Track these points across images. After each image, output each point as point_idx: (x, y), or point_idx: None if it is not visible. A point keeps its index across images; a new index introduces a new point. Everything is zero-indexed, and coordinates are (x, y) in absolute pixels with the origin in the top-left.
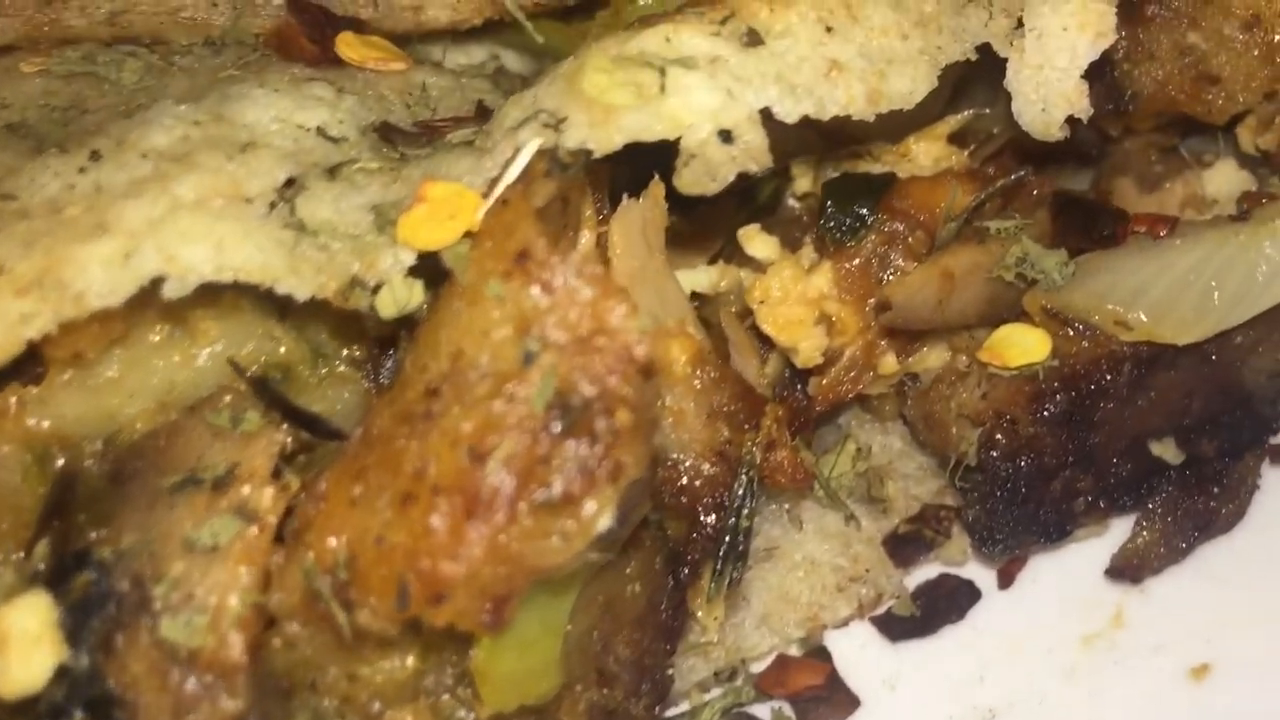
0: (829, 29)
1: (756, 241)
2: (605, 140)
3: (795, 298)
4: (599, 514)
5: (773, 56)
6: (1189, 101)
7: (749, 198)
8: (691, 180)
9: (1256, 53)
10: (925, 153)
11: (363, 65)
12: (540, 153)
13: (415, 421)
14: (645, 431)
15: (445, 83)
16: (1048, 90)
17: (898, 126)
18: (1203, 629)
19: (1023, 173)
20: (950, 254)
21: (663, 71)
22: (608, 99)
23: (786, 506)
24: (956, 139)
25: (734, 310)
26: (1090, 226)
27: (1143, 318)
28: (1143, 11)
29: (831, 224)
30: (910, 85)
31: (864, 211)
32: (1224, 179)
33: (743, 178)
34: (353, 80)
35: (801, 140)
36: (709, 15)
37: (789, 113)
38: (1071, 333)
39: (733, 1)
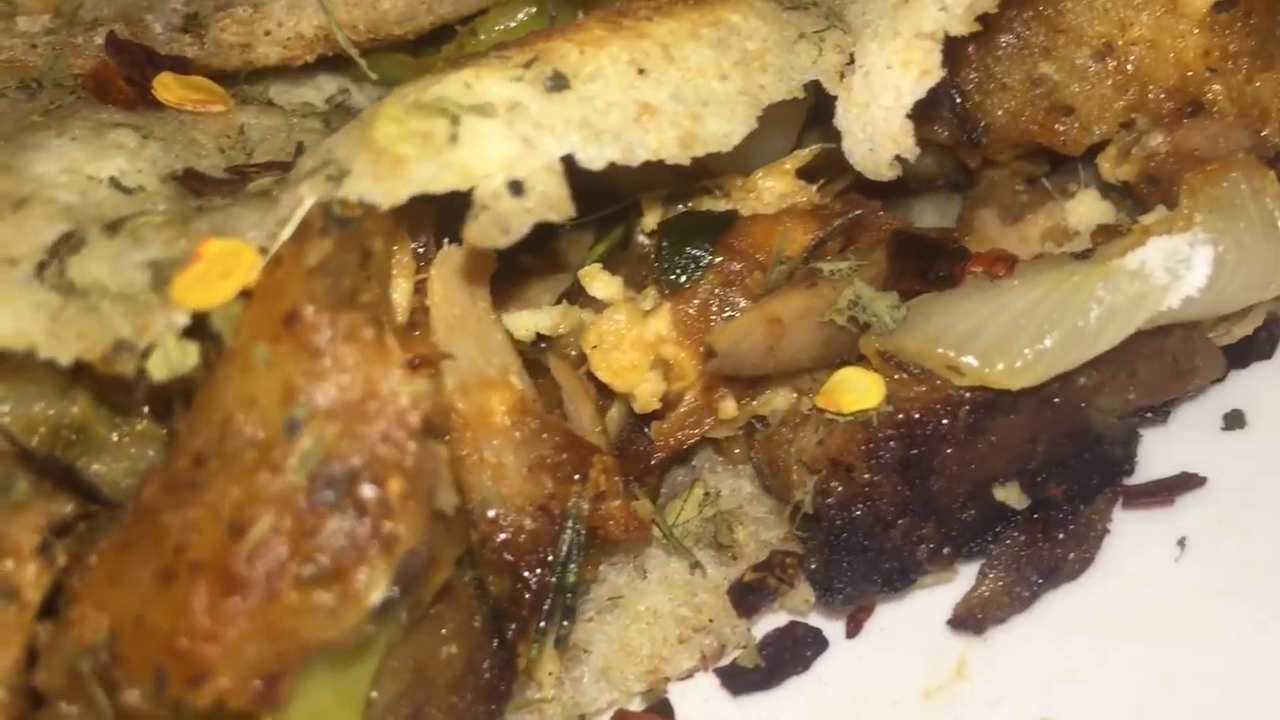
0: (641, 71)
1: (599, 282)
2: (390, 193)
3: (630, 342)
4: (371, 586)
5: (579, 101)
6: (1043, 133)
7: (604, 232)
8: (480, 233)
9: (1110, 82)
10: (772, 188)
11: (180, 107)
12: (319, 207)
13: (181, 492)
14: (422, 498)
15: (272, 123)
16: (874, 130)
17: (753, 159)
18: (1044, 681)
19: (859, 212)
20: (779, 299)
21: (456, 120)
22: (396, 149)
23: (633, 555)
24: (809, 173)
25: (574, 353)
26: (927, 267)
27: (974, 363)
28: (993, 41)
29: (666, 265)
30: (727, 127)
31: (700, 252)
32: (1086, 210)
33: (543, 226)
34: (164, 124)
35: (650, 174)
36: (515, 59)
37: (593, 159)
38: (907, 377)
39: (541, 44)
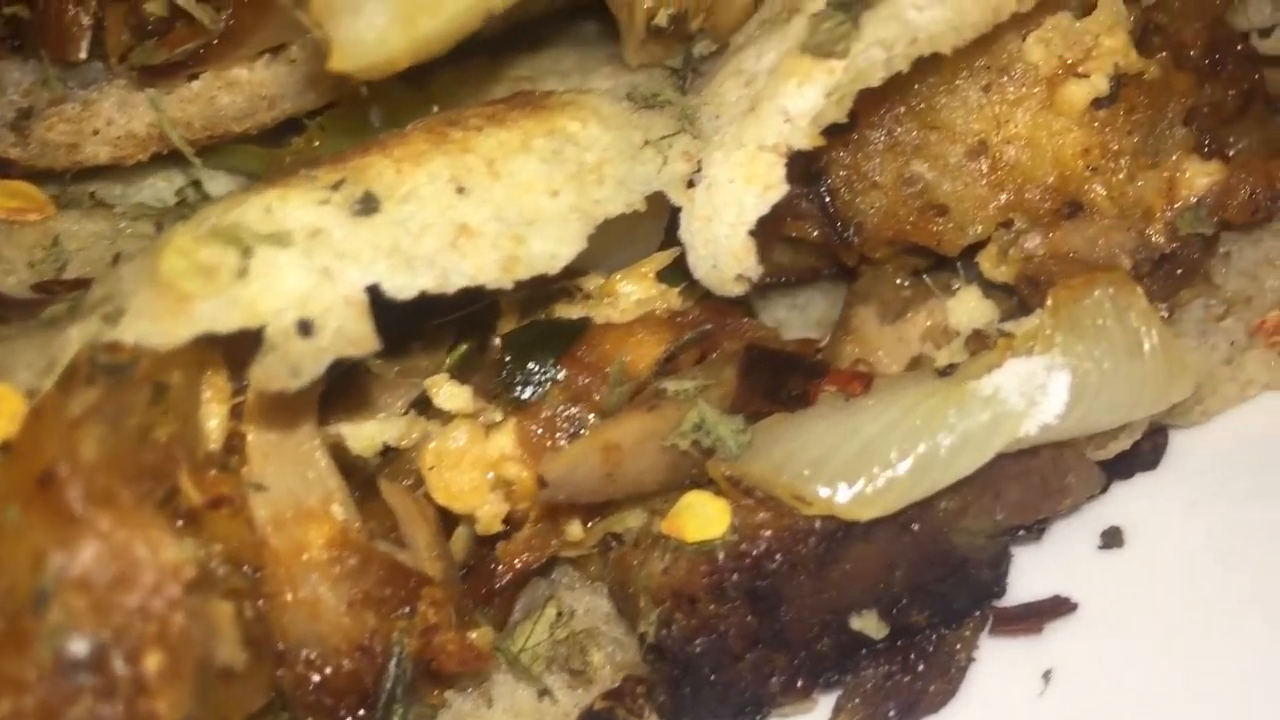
0: (462, 190)
1: (444, 392)
2: (170, 334)
3: (471, 461)
4: None
5: (390, 225)
6: (918, 232)
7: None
8: (266, 375)
9: (985, 181)
10: (630, 294)
11: None
12: (86, 351)
13: None
14: (187, 669)
15: (96, 229)
16: (717, 247)
17: (619, 256)
18: None
19: (708, 326)
20: (617, 424)
21: (249, 251)
22: (181, 286)
23: (479, 681)
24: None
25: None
26: (779, 386)
27: (821, 492)
28: (863, 138)
29: (509, 380)
30: (554, 248)
31: (545, 365)
32: (967, 310)
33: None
34: None
35: None
36: (323, 178)
37: (401, 289)
38: (754, 503)
39: (357, 160)
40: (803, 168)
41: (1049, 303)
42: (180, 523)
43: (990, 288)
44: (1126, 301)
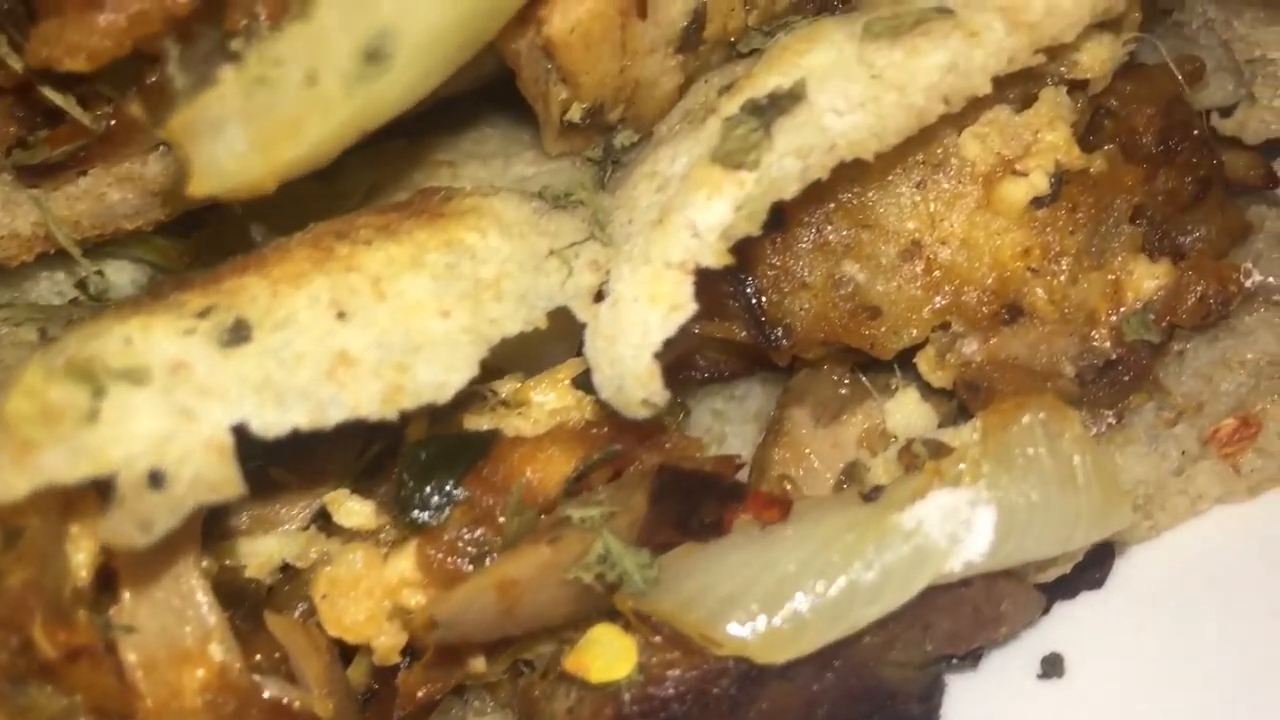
0: (342, 314)
1: (345, 508)
2: (10, 486)
3: (367, 588)
4: None
5: (261, 356)
6: (850, 335)
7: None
8: (115, 530)
9: (920, 283)
10: (543, 403)
11: None
12: None
13: None
14: None
15: None
16: (621, 368)
17: (540, 357)
18: None
19: (618, 448)
20: (514, 558)
21: (102, 390)
22: (25, 432)
23: None
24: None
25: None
26: (691, 513)
27: (732, 632)
28: (791, 235)
29: (408, 502)
30: (443, 375)
31: (447, 486)
32: (905, 413)
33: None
34: None
35: None
36: (191, 303)
37: (271, 426)
38: (663, 640)
39: (231, 281)
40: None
41: (977, 427)
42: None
43: (931, 389)
44: (1059, 428)
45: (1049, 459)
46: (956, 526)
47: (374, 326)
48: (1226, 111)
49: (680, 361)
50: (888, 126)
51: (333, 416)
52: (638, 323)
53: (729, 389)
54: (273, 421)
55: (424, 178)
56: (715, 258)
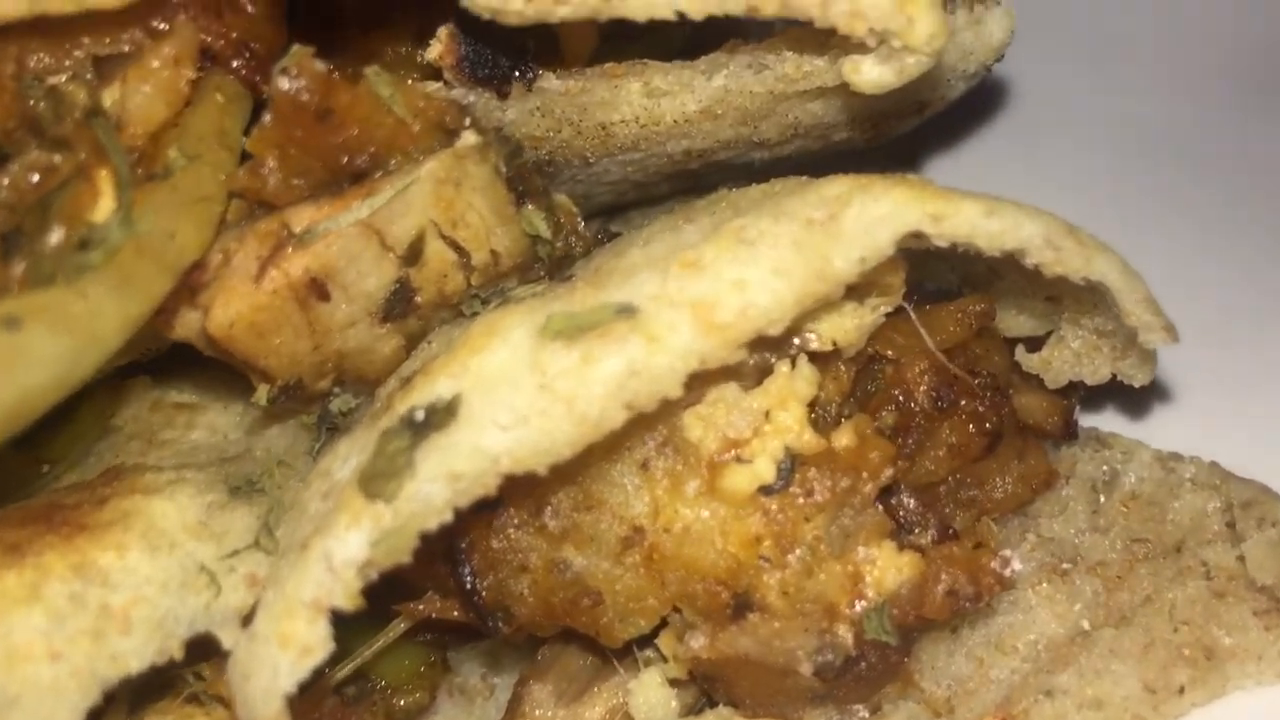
0: None
1: None
2: None
3: None
4: None
5: None
6: (575, 620)
7: None
8: None
9: (643, 571)
10: None
11: None
12: None
13: None
14: None
15: None
16: (253, 712)
17: None
18: None
19: None
20: None
21: None
22: None
23: None
24: None
25: None
26: None
27: None
28: (508, 515)
29: None
30: None
31: None
32: (647, 696)
33: None
34: None
35: None
36: None
37: None
38: None
39: None
40: (444, 543)
41: None
42: None
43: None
44: None
45: None
46: None
47: None
48: (1035, 344)
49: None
50: (557, 440)
51: None
52: (268, 664)
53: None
54: None
55: (160, 422)
56: (347, 599)
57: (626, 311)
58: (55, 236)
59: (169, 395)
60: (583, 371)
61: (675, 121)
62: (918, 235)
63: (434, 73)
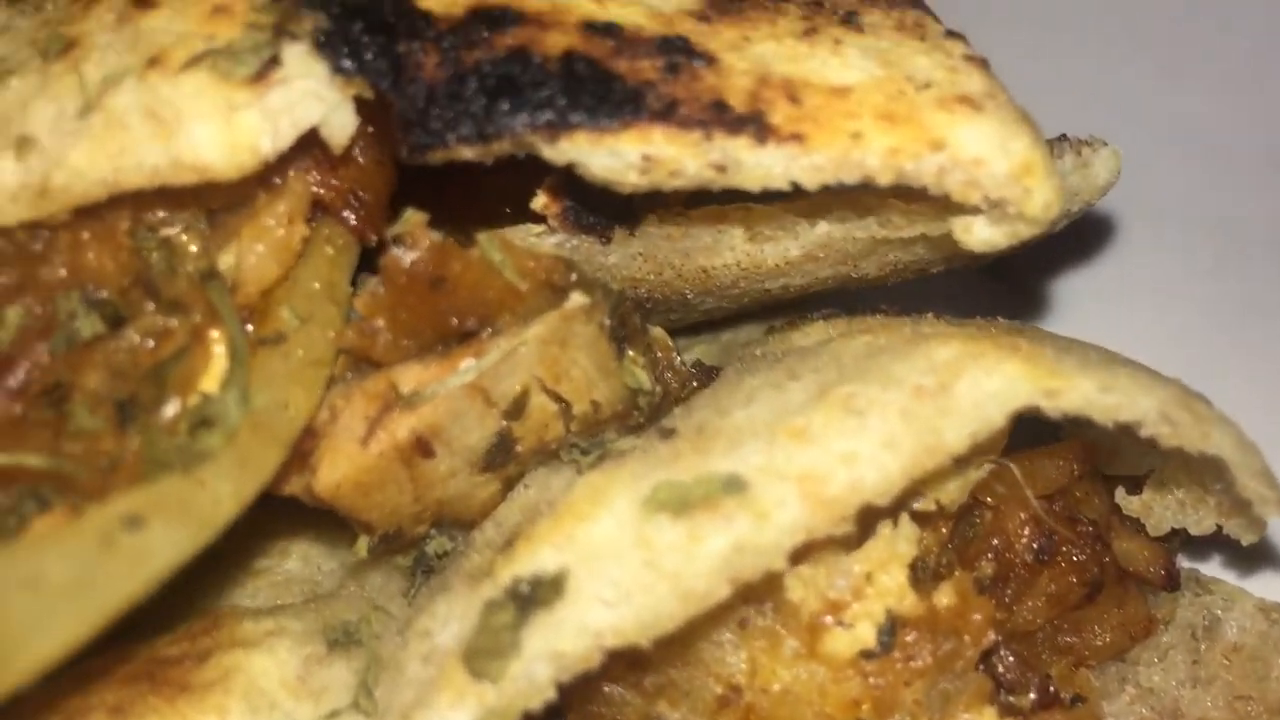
0: None
1: None
2: None
3: None
4: None
5: None
6: None
7: None
8: None
9: None
10: None
11: None
12: None
13: None
14: None
15: None
16: None
17: None
18: None
19: None
20: None
21: None
22: None
23: None
24: None
25: None
26: None
27: None
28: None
29: None
30: None
31: None
32: None
33: None
34: None
35: None
36: None
37: None
38: None
39: None
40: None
41: None
42: None
43: None
44: None
45: None
46: None
47: None
48: (1136, 486)
49: None
50: (661, 616)
51: None
52: None
53: None
54: None
55: (256, 547)
56: None
57: (734, 484)
58: (171, 409)
59: (263, 520)
60: (689, 548)
61: (777, 265)
62: (1031, 409)
63: (533, 214)
